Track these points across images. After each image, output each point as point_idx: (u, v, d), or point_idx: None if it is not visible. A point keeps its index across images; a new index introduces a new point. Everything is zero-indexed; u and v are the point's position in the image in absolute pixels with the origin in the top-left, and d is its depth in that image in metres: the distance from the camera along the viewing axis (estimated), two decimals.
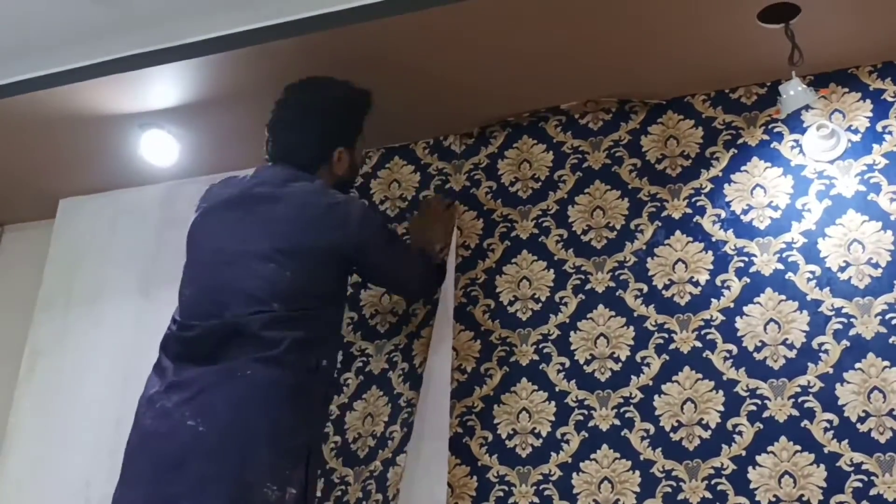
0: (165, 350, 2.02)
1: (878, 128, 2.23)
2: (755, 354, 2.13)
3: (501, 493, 2.21)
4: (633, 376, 2.21)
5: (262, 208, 2.06)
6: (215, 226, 2.11)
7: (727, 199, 2.29)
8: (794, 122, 2.30)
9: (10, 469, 2.85)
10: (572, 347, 2.29)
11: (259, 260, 1.98)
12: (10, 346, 3.09)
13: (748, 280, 2.20)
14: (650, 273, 2.30)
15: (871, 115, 2.24)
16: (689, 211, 2.32)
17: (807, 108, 2.26)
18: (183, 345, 1.99)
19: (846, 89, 2.29)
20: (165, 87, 2.47)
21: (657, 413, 2.16)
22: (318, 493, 2.34)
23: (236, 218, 2.08)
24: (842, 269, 2.13)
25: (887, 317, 2.07)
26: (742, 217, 2.26)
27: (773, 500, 2.01)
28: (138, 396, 2.02)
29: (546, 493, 2.17)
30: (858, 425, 2.00)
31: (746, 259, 2.22)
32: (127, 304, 2.87)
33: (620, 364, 2.23)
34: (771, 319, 2.15)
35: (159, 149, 2.65)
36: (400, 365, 2.43)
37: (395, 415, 2.38)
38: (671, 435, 2.13)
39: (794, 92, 2.12)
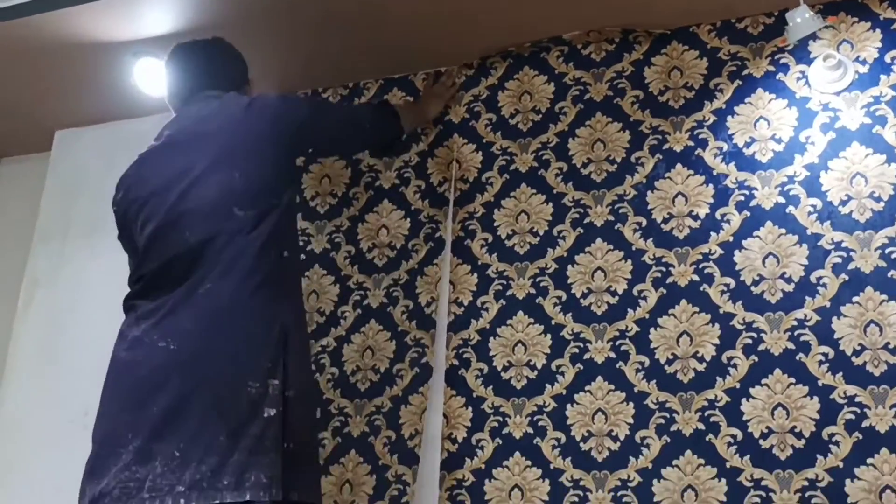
0: (131, 294, 2.03)
1: (887, 59, 2.17)
2: (752, 288, 2.11)
3: (496, 424, 2.21)
4: (629, 309, 2.19)
5: (191, 135, 2.07)
6: (143, 171, 2.13)
7: (730, 132, 2.25)
8: (801, 53, 2.25)
9: (11, 398, 2.87)
10: (569, 281, 2.27)
11: (205, 178, 1.97)
12: (9, 278, 3.10)
13: (748, 214, 2.17)
14: (649, 206, 2.27)
15: (880, 45, 2.19)
16: (690, 144, 2.28)
17: (814, 37, 2.21)
18: (146, 282, 1.99)
19: (855, 18, 2.23)
20: (158, 13, 2.42)
21: (652, 346, 2.14)
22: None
23: (169, 155, 2.08)
24: (843, 203, 2.10)
25: (887, 251, 2.04)
26: (744, 150, 2.22)
27: (766, 431, 2.00)
28: None
29: (540, 423, 2.17)
30: (854, 358, 1.98)
31: (747, 192, 2.19)
32: None
33: (617, 297, 2.22)
34: (770, 253, 2.12)
35: (153, 78, 2.61)
36: (402, 301, 2.42)
37: (400, 352, 2.38)
38: (666, 367, 2.11)
39: (801, 19, 2.06)
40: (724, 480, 1.99)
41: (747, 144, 2.23)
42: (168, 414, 1.81)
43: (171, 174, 2.03)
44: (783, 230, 2.13)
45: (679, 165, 2.27)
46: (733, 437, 2.01)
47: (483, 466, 2.19)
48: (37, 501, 2.69)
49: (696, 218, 2.21)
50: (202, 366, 1.83)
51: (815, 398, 1.98)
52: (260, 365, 1.85)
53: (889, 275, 2.01)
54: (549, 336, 2.24)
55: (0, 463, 2.81)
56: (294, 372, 1.90)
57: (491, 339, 2.30)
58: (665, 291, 2.18)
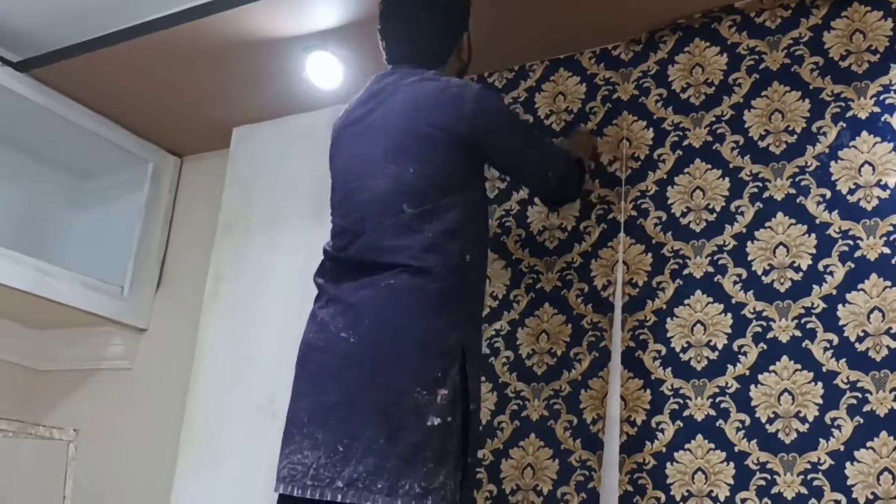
0: (323, 269, 2.05)
1: None
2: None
3: (676, 406, 2.16)
4: (814, 286, 2.10)
5: (377, 113, 2.03)
6: (343, 146, 2.10)
7: None
8: None
9: (202, 385, 3.01)
10: (749, 258, 2.20)
11: (381, 165, 1.97)
12: (195, 273, 3.26)
13: None
14: (833, 177, 2.16)
15: None
16: (876, 110, 2.15)
17: None
18: (337, 263, 2.01)
19: None
20: (328, 7, 2.48)
21: (841, 323, 2.04)
22: (492, 406, 2.38)
23: (358, 132, 2.06)
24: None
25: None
26: None
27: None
28: None
29: (723, 405, 2.11)
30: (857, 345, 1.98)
31: None
32: (301, 228, 2.95)
33: (801, 273, 2.12)
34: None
35: (324, 71, 2.69)
36: (577, 285, 2.40)
37: (577, 336, 2.36)
38: (857, 346, 2.00)
39: None
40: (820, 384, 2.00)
41: None
42: (338, 406, 1.83)
43: (354, 151, 2.04)
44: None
45: (864, 133, 2.15)
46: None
47: (664, 450, 2.14)
48: (227, 489, 2.81)
49: (884, 188, 2.09)
50: (375, 365, 1.83)
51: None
52: (431, 372, 1.83)
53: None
54: (729, 315, 2.17)
55: (191, 452, 2.94)
56: (474, 387, 1.91)
57: (668, 319, 2.24)
58: (853, 265, 2.07)
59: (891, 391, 1.94)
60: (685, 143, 2.37)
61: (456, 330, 1.89)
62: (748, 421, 2.07)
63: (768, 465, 2.02)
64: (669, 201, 2.34)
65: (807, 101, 2.25)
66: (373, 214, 1.95)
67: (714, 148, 2.32)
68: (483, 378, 2.41)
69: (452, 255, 1.91)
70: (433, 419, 1.80)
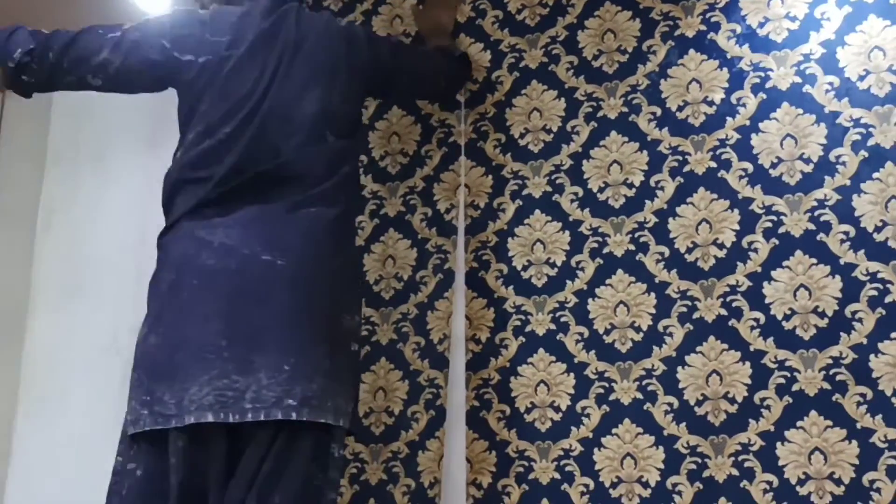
0: (201, 190, 1.91)
1: None
2: (771, 171, 2.09)
3: (518, 323, 2.22)
4: (646, 201, 2.17)
5: (287, 33, 1.99)
6: (242, 69, 1.96)
7: (742, 13, 2.19)
8: None
9: (38, 326, 2.90)
10: (585, 176, 2.25)
11: (302, 85, 1.94)
12: (26, 206, 3.10)
13: (764, 96, 2.13)
14: (664, 95, 2.23)
15: None
16: (702, 28, 2.23)
17: None
18: (225, 187, 1.89)
19: None
20: None
21: (671, 236, 2.13)
22: None
23: (261, 48, 1.97)
24: (861, 79, 2.05)
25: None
26: (758, 31, 2.17)
27: (789, 313, 2.00)
28: (155, 249, 1.98)
29: (562, 319, 2.18)
30: (875, 235, 1.96)
31: (762, 74, 2.14)
32: (135, 155, 2.86)
33: (634, 190, 2.19)
34: (788, 135, 2.09)
35: None
36: (420, 209, 2.41)
37: (423, 259, 2.37)
38: (686, 256, 2.10)
39: None
40: (748, 363, 2.00)
41: (761, 25, 2.17)
42: (273, 328, 1.79)
43: (264, 74, 1.95)
44: (800, 110, 2.09)
45: (692, 51, 2.23)
46: (756, 320, 2.01)
47: (508, 364, 2.20)
48: (72, 431, 2.74)
49: (711, 104, 2.18)
50: (310, 287, 1.83)
51: (837, 277, 1.97)
52: (353, 299, 1.94)
53: None
54: (567, 233, 2.23)
55: (33, 395, 2.85)
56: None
57: (509, 239, 2.29)
58: (682, 180, 2.16)
59: (717, 297, 2.05)
60: (522, 64, 2.39)
61: (357, 258, 2.06)
62: (586, 333, 2.15)
63: (606, 374, 2.11)
64: (508, 123, 2.37)
65: (637, 20, 2.30)
66: (289, 136, 1.91)
67: (550, 69, 2.35)
68: None
69: (357, 189, 2.04)
70: (354, 344, 1.90)
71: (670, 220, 2.14)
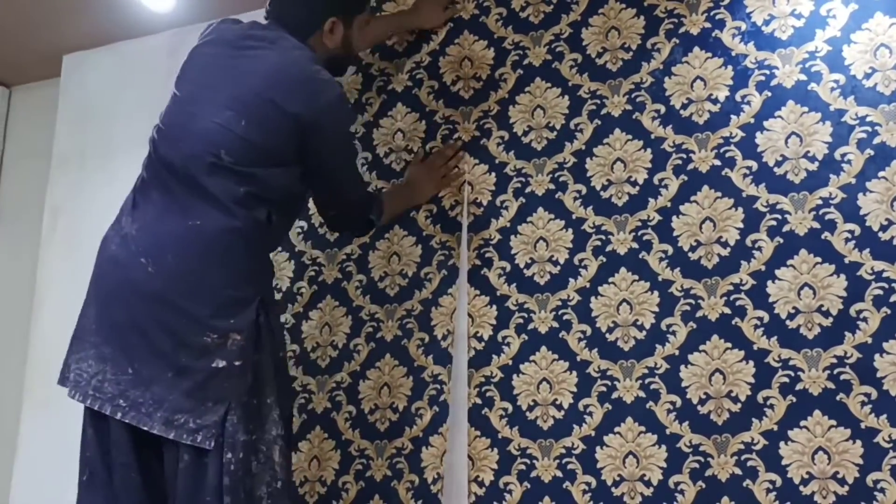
0: (135, 184, 2.04)
1: None
2: (776, 170, 2.07)
3: (521, 320, 2.21)
4: (650, 199, 2.16)
5: (247, 54, 2.00)
6: (200, 65, 2.05)
7: (748, 11, 2.18)
8: None
9: (44, 323, 2.91)
10: (588, 174, 2.24)
11: (219, 106, 1.94)
12: (31, 206, 3.12)
13: (769, 94, 2.12)
14: (667, 93, 2.22)
15: None
16: (707, 25, 2.22)
17: None
18: (148, 172, 2.00)
19: None
20: None
21: (675, 234, 2.12)
22: (348, 330, 2.39)
23: (221, 59, 2.02)
24: (867, 76, 2.04)
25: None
26: (763, 28, 2.16)
27: (793, 312, 1.98)
28: None
29: (565, 317, 2.17)
30: (881, 234, 1.95)
31: (767, 72, 2.13)
32: (140, 156, 2.82)
33: (637, 188, 2.18)
34: (793, 133, 2.08)
35: None
36: (425, 205, 2.40)
37: (427, 256, 2.37)
38: (689, 255, 2.09)
39: None
40: (751, 362, 1.99)
41: (766, 22, 2.16)
42: (125, 329, 1.87)
43: (202, 76, 2.01)
44: (805, 108, 2.07)
45: (696, 48, 2.21)
46: (760, 319, 2.00)
47: (510, 362, 2.20)
48: (77, 428, 2.72)
49: (715, 102, 2.16)
50: (171, 302, 1.86)
51: (842, 276, 1.95)
52: (225, 318, 1.88)
53: None
54: (570, 231, 2.22)
55: (38, 391, 2.86)
56: (272, 336, 1.99)
57: (512, 237, 2.28)
58: (686, 178, 2.15)
59: (721, 296, 2.03)
60: (525, 61, 2.38)
61: (253, 281, 1.97)
62: (589, 331, 2.14)
63: (608, 372, 2.10)
64: (511, 120, 2.36)
65: (642, 17, 2.29)
66: (195, 147, 1.92)
67: (553, 66, 2.35)
68: (336, 303, 2.44)
69: (259, 212, 1.93)
70: (219, 361, 1.86)
71: (674, 218, 2.13)
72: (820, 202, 2.01)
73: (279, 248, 2.48)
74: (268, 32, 2.06)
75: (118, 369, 1.86)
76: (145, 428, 1.83)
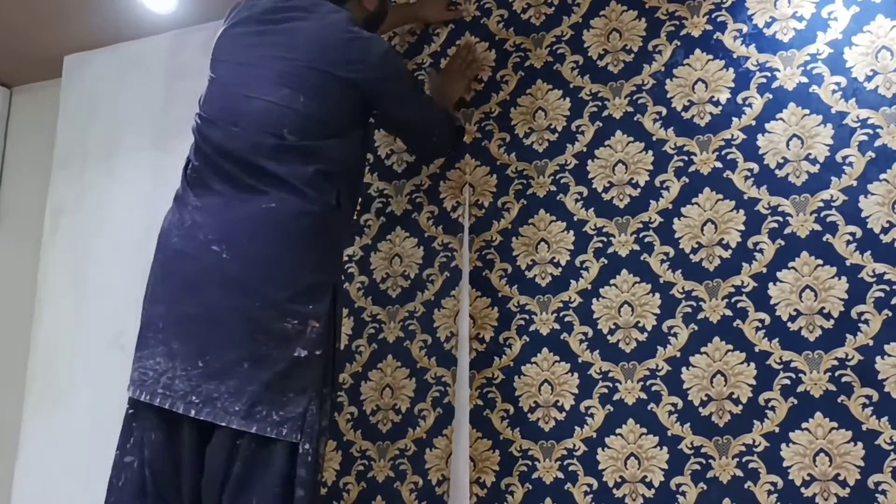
0: (191, 169, 1.97)
1: None
2: (777, 171, 2.07)
3: (522, 322, 2.21)
4: (651, 201, 2.16)
5: (283, 27, 1.99)
6: (235, 44, 2.03)
7: (749, 13, 2.18)
8: None
9: (45, 323, 2.91)
10: (590, 176, 2.24)
11: (272, 84, 1.92)
12: (32, 207, 3.12)
13: (770, 96, 2.12)
14: (669, 95, 2.22)
15: None
16: (709, 28, 2.22)
17: None
18: (199, 160, 1.94)
19: None
20: None
21: (677, 236, 2.12)
22: (349, 331, 2.39)
23: (257, 36, 2.00)
24: (868, 79, 2.04)
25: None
26: (765, 31, 2.16)
27: (794, 314, 1.98)
28: None
29: (566, 319, 2.17)
30: (882, 236, 1.95)
31: (769, 74, 2.13)
32: (141, 157, 2.88)
33: (639, 190, 2.19)
34: (794, 135, 2.08)
35: None
36: (427, 207, 2.41)
37: (429, 257, 2.37)
38: (691, 257, 2.09)
39: None
40: (753, 364, 1.99)
41: (767, 25, 2.16)
42: (199, 319, 1.80)
43: (246, 55, 1.98)
44: (807, 111, 2.08)
45: (698, 51, 2.22)
46: (761, 321, 2.00)
47: (512, 364, 2.20)
48: (78, 426, 2.76)
49: (716, 104, 2.17)
50: (248, 286, 1.80)
51: (843, 278, 1.95)
52: (304, 304, 1.82)
53: None
54: (571, 233, 2.22)
55: (39, 391, 2.86)
56: (339, 323, 1.93)
57: (513, 238, 2.28)
58: (688, 180, 2.15)
59: (722, 298, 2.04)
60: (527, 63, 2.38)
61: (328, 266, 1.92)
62: (591, 333, 2.14)
63: (610, 374, 2.10)
64: (512, 122, 2.36)
65: (643, 19, 2.29)
66: (254, 130, 1.90)
67: (555, 68, 2.35)
68: None
69: (329, 195, 1.91)
70: (300, 350, 1.80)
71: (675, 220, 2.13)
72: (821, 204, 2.01)
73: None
74: (300, 1, 2.04)
75: (188, 364, 1.78)
76: (223, 424, 1.74)
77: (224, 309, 1.79)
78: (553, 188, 2.28)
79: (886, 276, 1.93)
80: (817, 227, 2.01)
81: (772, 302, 2.00)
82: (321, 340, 1.84)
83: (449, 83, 2.40)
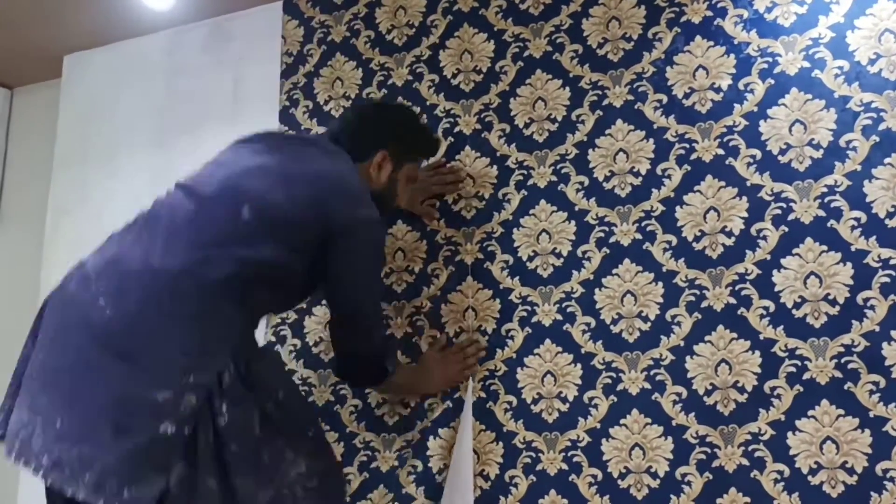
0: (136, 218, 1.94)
1: None
2: (780, 158, 2.05)
3: (525, 314, 2.20)
4: (653, 189, 2.15)
5: (294, 152, 1.96)
6: (232, 153, 1.98)
7: None
8: None
9: None
10: (591, 165, 2.22)
11: (264, 176, 1.86)
12: (34, 207, 3.11)
13: (772, 81, 2.10)
14: (669, 83, 2.20)
15: None
16: (709, 14, 2.20)
17: None
18: (140, 223, 1.91)
19: None
20: None
21: (679, 224, 2.10)
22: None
23: (257, 153, 1.94)
24: (871, 62, 2.02)
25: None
26: (766, 16, 2.14)
27: (799, 301, 1.96)
28: None
29: (569, 309, 2.15)
30: (887, 221, 1.92)
31: (771, 60, 2.11)
32: (142, 156, 2.86)
33: (640, 178, 2.17)
34: (797, 120, 2.06)
35: None
36: (427, 199, 2.38)
37: (433, 251, 2.34)
38: (694, 245, 2.07)
39: None
40: (758, 352, 1.97)
41: (768, 10, 2.14)
42: (66, 377, 1.68)
43: (245, 157, 1.93)
44: (809, 95, 2.05)
45: (698, 37, 2.19)
46: (766, 308, 1.98)
47: (514, 356, 2.18)
48: None
49: (718, 91, 2.14)
50: (124, 350, 1.67)
51: (849, 264, 1.93)
52: (183, 377, 1.66)
53: None
54: (573, 223, 2.20)
55: None
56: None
57: (514, 230, 2.26)
58: (689, 168, 2.13)
59: (726, 286, 2.01)
60: (526, 54, 2.37)
61: (224, 348, 1.74)
62: (593, 323, 2.12)
63: (613, 364, 2.08)
64: (512, 113, 2.34)
65: (642, 7, 2.27)
66: (209, 212, 1.82)
67: (554, 58, 2.33)
68: None
69: (254, 290, 1.81)
70: (169, 426, 1.62)
71: (677, 208, 2.11)
72: (825, 190, 1.99)
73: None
74: (320, 139, 2.06)
75: (46, 422, 1.64)
76: (68, 491, 1.58)
77: (96, 370, 1.66)
78: (554, 178, 2.25)
79: (892, 261, 1.91)
80: (821, 213, 1.98)
81: (776, 289, 1.98)
82: (196, 419, 1.65)
83: (433, 372, 2.19)
